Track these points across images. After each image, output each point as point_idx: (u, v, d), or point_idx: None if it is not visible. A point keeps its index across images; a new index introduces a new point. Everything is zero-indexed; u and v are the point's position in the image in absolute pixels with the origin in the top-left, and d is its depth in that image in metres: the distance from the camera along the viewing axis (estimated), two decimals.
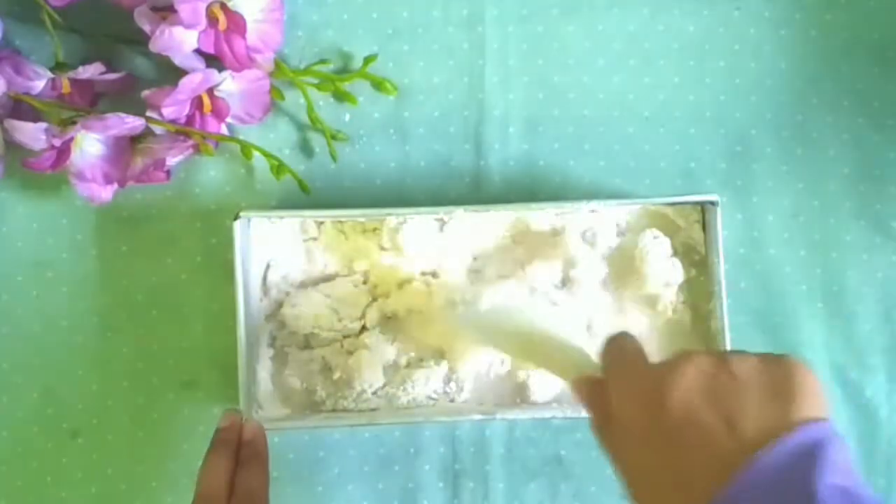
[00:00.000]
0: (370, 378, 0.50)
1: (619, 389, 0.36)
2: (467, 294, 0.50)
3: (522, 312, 0.48)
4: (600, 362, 0.39)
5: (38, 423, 0.53)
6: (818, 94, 0.55)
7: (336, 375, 0.51)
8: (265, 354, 0.51)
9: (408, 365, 0.51)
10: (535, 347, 0.45)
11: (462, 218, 0.51)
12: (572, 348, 0.43)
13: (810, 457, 0.30)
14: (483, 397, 0.52)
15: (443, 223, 0.51)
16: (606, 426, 0.37)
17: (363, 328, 0.51)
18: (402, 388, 0.51)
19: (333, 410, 0.51)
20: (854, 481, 0.30)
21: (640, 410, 0.34)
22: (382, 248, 0.51)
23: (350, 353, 0.51)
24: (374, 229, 0.51)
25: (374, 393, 0.51)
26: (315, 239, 0.52)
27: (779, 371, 0.33)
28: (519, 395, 0.52)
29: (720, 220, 0.49)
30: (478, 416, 0.49)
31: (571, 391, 0.40)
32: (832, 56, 0.55)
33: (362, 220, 0.51)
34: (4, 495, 0.53)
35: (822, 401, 0.33)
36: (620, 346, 0.39)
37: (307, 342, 0.52)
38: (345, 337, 0.51)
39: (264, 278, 0.52)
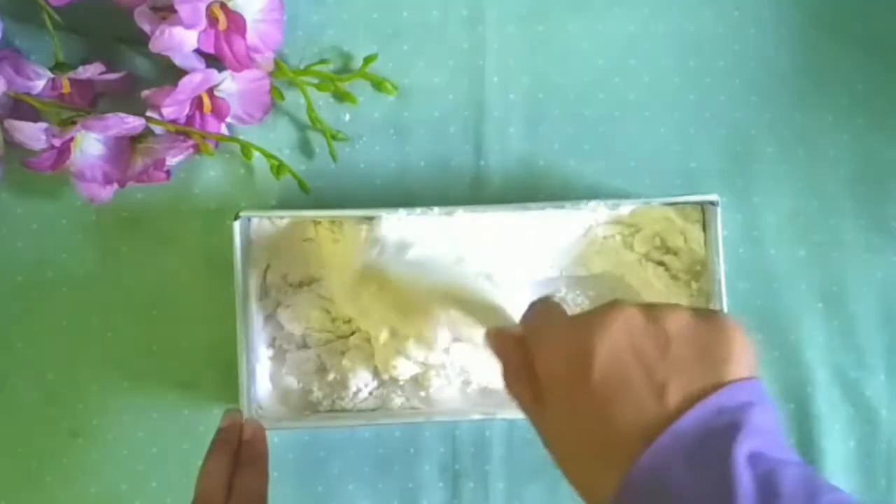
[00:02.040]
0: (364, 378, 0.50)
1: (542, 343, 0.34)
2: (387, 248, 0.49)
3: (442, 264, 0.47)
4: (522, 320, 0.38)
5: (38, 423, 0.53)
6: (818, 94, 0.55)
7: (330, 376, 0.51)
8: (265, 354, 0.52)
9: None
10: (456, 296, 0.44)
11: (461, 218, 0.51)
12: (491, 302, 0.43)
13: (731, 421, 0.29)
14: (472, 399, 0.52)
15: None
16: (523, 384, 0.35)
17: (356, 329, 0.51)
18: (393, 389, 0.51)
19: (331, 410, 0.51)
20: (775, 444, 0.30)
21: (565, 366, 0.32)
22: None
23: (343, 353, 0.51)
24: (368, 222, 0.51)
25: (371, 393, 0.51)
26: (312, 239, 0.52)
27: (709, 329, 0.32)
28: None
29: (720, 220, 0.49)
30: (478, 416, 0.49)
31: (485, 341, 0.39)
32: (832, 56, 0.55)
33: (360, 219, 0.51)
34: (4, 495, 0.53)
35: (751, 360, 0.32)
36: (544, 306, 0.37)
37: (303, 342, 0.52)
38: (338, 337, 0.51)
39: (264, 278, 0.52)
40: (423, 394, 0.51)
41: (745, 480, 0.28)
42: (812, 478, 0.29)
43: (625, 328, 0.32)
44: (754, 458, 0.29)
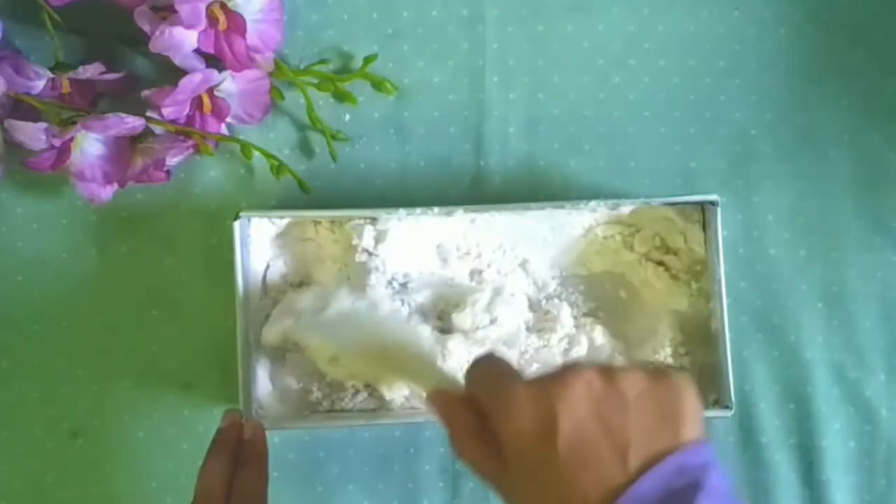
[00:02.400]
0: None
1: (502, 410, 0.34)
2: (316, 301, 0.49)
3: (375, 320, 0.47)
4: (466, 381, 0.37)
5: (38, 423, 0.53)
6: (818, 94, 0.55)
7: (330, 377, 0.51)
8: (265, 355, 0.51)
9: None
10: (390, 354, 0.43)
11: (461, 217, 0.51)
12: (428, 360, 0.42)
13: (691, 482, 0.31)
14: None
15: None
16: (481, 448, 0.35)
17: None
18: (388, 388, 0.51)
19: (331, 411, 0.51)
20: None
21: (529, 434, 0.33)
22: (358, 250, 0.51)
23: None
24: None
25: (371, 394, 0.51)
26: (312, 239, 0.52)
27: (663, 391, 0.33)
28: None
29: (720, 220, 0.49)
30: None
31: (428, 404, 0.38)
32: (832, 56, 0.55)
33: (360, 219, 0.51)
34: (4, 495, 0.53)
35: (701, 420, 0.33)
36: (490, 364, 0.37)
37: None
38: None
39: (264, 278, 0.52)
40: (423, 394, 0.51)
41: None
42: None
43: (586, 394, 0.33)
44: None
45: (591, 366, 0.33)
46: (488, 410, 0.35)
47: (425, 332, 0.49)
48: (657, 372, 0.34)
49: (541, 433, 0.32)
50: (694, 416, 0.33)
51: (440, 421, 0.37)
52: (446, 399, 0.37)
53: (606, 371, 0.33)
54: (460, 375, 0.39)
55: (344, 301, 0.49)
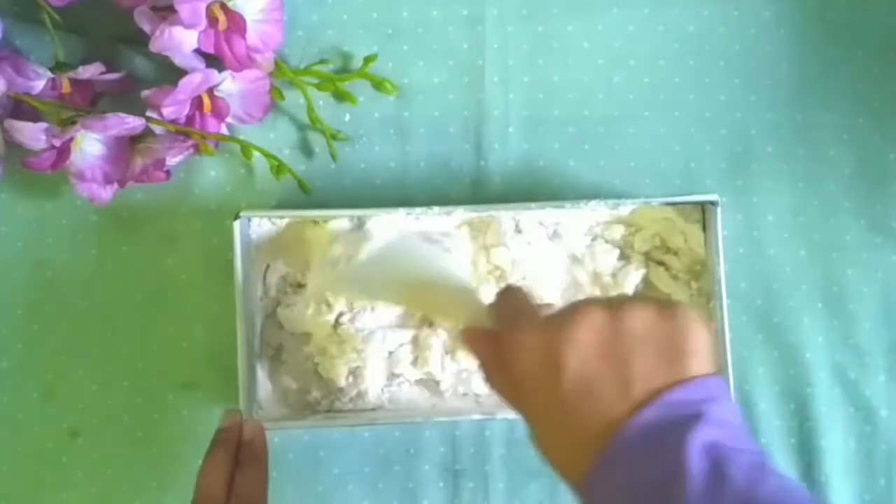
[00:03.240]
0: (364, 379, 0.50)
1: (514, 344, 0.36)
2: (349, 247, 0.49)
3: (408, 257, 0.46)
4: (492, 315, 0.39)
5: (38, 423, 0.53)
6: (818, 94, 0.55)
7: (329, 377, 0.51)
8: (265, 354, 0.51)
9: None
10: (424, 294, 0.43)
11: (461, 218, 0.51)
12: (464, 292, 0.42)
13: (691, 413, 0.31)
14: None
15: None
16: (502, 379, 0.37)
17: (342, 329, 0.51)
18: (398, 378, 0.51)
19: (330, 411, 0.51)
20: (734, 436, 0.31)
21: (538, 369, 0.34)
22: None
23: (342, 355, 0.51)
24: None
25: (371, 393, 0.51)
26: (312, 239, 0.52)
27: (672, 325, 0.33)
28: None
29: (720, 220, 0.49)
30: (478, 416, 0.49)
31: (460, 338, 0.40)
32: (832, 56, 0.55)
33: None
34: (4, 495, 0.53)
35: (711, 355, 0.33)
36: (512, 299, 0.39)
37: (302, 343, 0.52)
38: (339, 338, 0.51)
39: (264, 278, 0.52)
40: (427, 394, 0.51)
41: (695, 465, 0.29)
42: (762, 465, 0.30)
43: (591, 330, 0.33)
44: (709, 447, 0.30)
45: (598, 304, 0.34)
46: (505, 344, 0.37)
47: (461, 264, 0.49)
48: (666, 306, 0.34)
49: (546, 376, 0.34)
50: (701, 351, 0.33)
51: (471, 354, 0.39)
52: (475, 334, 0.40)
53: (613, 308, 0.34)
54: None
55: (377, 241, 0.48)
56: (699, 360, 0.33)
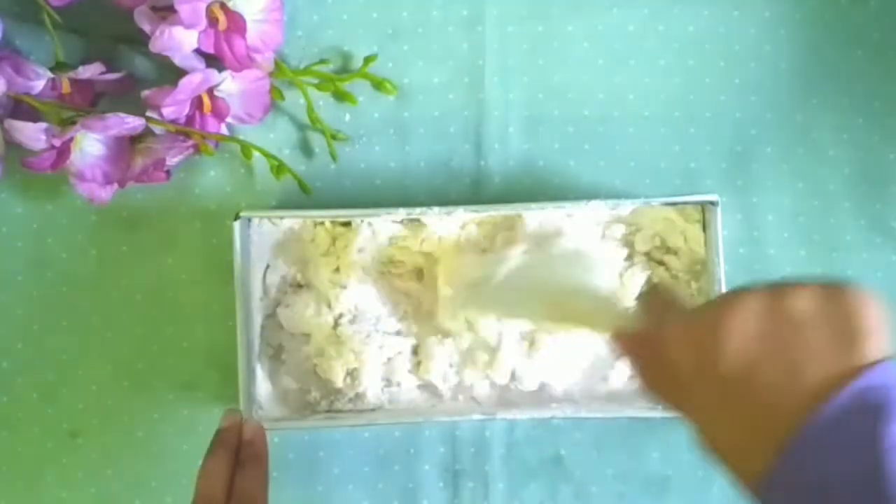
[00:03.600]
0: (365, 379, 0.50)
1: (668, 338, 0.34)
2: (478, 270, 0.48)
3: (545, 271, 0.46)
4: (640, 314, 0.39)
5: (38, 423, 0.53)
6: (818, 94, 0.55)
7: (329, 377, 0.51)
8: (265, 354, 0.52)
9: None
10: (565, 305, 0.43)
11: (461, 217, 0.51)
12: (605, 300, 0.42)
13: (876, 404, 0.29)
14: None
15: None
16: (661, 378, 0.36)
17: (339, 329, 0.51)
18: (396, 385, 0.51)
19: (329, 411, 0.51)
20: None
21: (694, 359, 0.33)
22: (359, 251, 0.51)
23: (333, 356, 0.51)
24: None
25: (374, 396, 0.51)
26: (312, 239, 0.52)
27: (838, 308, 0.31)
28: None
29: (720, 220, 0.49)
30: (478, 416, 0.49)
31: (612, 345, 0.40)
32: (832, 56, 0.55)
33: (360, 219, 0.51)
34: (4, 495, 0.53)
35: (884, 337, 0.31)
36: (660, 297, 0.39)
37: (302, 343, 0.52)
38: (337, 339, 0.51)
39: (264, 278, 0.52)
40: (428, 394, 0.51)
41: (892, 463, 0.27)
42: None
43: (750, 316, 0.32)
44: None
45: (756, 290, 0.32)
46: (660, 344, 0.36)
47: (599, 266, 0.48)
48: (832, 287, 0.32)
49: (705, 366, 0.32)
50: (878, 332, 0.31)
51: (626, 360, 0.39)
52: (626, 339, 0.39)
53: (772, 293, 0.32)
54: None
55: (511, 260, 0.48)
56: (877, 343, 0.30)
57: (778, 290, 0.32)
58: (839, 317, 0.31)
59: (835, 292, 0.31)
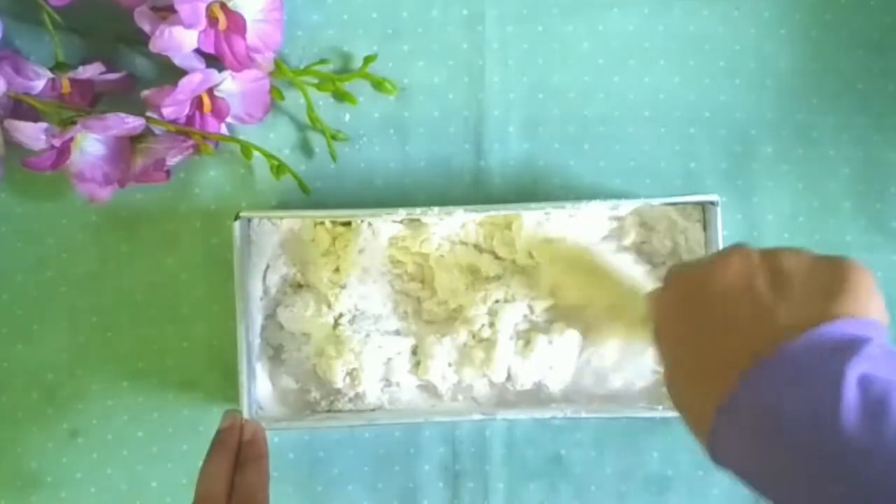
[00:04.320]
0: (365, 379, 0.50)
1: (666, 282, 0.37)
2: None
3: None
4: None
5: (38, 423, 0.53)
6: (818, 94, 0.55)
7: (329, 377, 0.51)
8: (265, 354, 0.52)
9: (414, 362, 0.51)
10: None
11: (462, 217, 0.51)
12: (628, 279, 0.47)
13: (844, 348, 0.29)
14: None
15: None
16: (654, 325, 0.38)
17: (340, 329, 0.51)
18: (395, 385, 0.51)
19: (329, 411, 0.51)
20: (891, 370, 0.29)
21: (681, 296, 0.35)
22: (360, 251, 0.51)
23: (333, 356, 0.51)
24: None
25: (374, 396, 0.51)
26: (312, 239, 0.52)
27: (831, 271, 0.32)
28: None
29: (720, 220, 0.49)
30: (478, 416, 0.49)
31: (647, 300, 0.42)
32: (832, 56, 0.55)
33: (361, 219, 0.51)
34: (5, 495, 0.53)
35: (872, 301, 0.32)
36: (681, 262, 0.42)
37: (302, 343, 0.52)
38: (338, 339, 0.51)
39: (264, 278, 0.52)
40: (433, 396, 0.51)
41: (851, 396, 0.28)
42: None
43: (741, 266, 0.33)
44: (866, 379, 0.28)
45: (754, 248, 0.35)
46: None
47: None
48: (828, 255, 0.33)
49: (688, 306, 0.34)
50: (861, 292, 0.31)
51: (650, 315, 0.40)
52: (651, 293, 0.42)
53: (768, 249, 0.34)
54: None
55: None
56: (857, 300, 0.31)
57: (772, 250, 0.34)
58: (827, 274, 0.32)
59: (828, 257, 0.33)
